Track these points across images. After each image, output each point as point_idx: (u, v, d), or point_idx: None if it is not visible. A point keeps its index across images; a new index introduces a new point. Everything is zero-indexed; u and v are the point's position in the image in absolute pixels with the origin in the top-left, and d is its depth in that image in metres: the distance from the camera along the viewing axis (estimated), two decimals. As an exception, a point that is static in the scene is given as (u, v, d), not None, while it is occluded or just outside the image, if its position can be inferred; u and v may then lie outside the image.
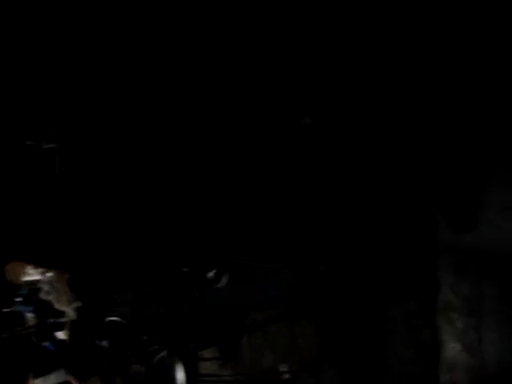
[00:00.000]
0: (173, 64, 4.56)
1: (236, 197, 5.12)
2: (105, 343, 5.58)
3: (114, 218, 5.30)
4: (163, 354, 5.74)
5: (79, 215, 5.22)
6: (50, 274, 5.61)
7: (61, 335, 5.87)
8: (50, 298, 5.70)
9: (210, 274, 5.21)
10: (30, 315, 5.97)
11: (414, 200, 4.30)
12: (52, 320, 5.89)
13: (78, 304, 5.61)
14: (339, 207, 4.73)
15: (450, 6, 3.76)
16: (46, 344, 5.86)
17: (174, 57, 4.42)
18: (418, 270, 4.31)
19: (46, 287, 5.76)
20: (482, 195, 3.91)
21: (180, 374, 5.65)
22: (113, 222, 5.33)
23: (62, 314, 5.71)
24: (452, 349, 4.12)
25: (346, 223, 4.71)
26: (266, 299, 5.44)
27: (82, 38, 4.33)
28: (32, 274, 5.99)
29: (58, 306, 5.69)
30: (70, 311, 5.64)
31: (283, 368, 5.74)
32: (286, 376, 5.72)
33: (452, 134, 4.06)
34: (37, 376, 5.41)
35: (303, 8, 4.11)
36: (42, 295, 5.80)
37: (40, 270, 5.80)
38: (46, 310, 5.82)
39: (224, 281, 5.22)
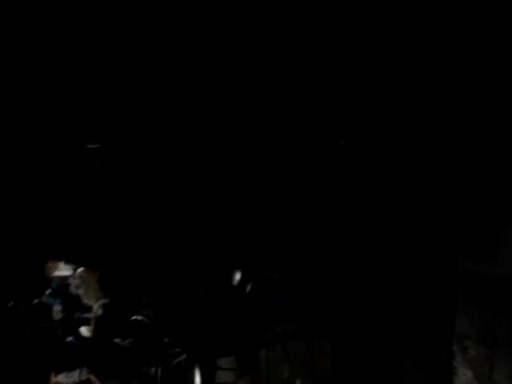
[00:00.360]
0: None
1: (261, 209, 5.22)
2: (127, 343, 5.69)
3: (150, 222, 5.43)
4: (182, 358, 5.83)
5: (116, 216, 5.37)
6: (81, 270, 5.79)
7: (85, 331, 6.01)
8: (79, 292, 5.87)
9: (235, 283, 5.32)
10: (57, 307, 6.15)
11: (439, 228, 4.37)
12: (78, 314, 6.05)
13: (106, 301, 5.75)
14: (364, 231, 4.82)
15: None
16: (70, 338, 6.00)
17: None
18: (438, 296, 4.38)
19: (76, 282, 5.94)
20: (504, 226, 3.96)
21: (197, 380, 5.74)
22: (148, 226, 5.46)
23: (88, 309, 5.87)
24: (463, 376, 4.16)
25: (371, 246, 4.79)
26: (287, 314, 5.52)
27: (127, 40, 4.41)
28: (63, 269, 6.18)
29: (85, 301, 5.85)
30: (96, 307, 5.79)
31: (299, 383, 5.78)
32: (301, 392, 5.75)
33: (481, 166, 4.12)
34: (59, 371, 5.54)
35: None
36: (72, 289, 5.97)
37: (71, 265, 5.99)
38: (73, 304, 5.99)
39: (248, 289, 5.32)
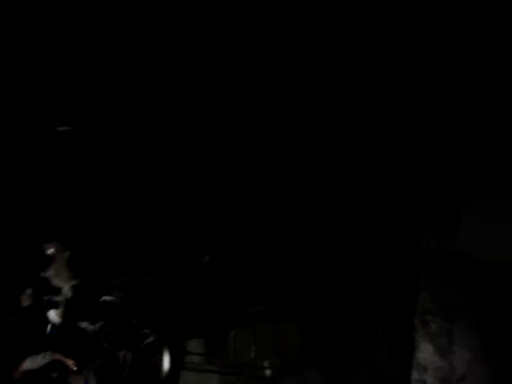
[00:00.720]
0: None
1: (232, 195, 5.30)
2: (96, 326, 5.70)
3: (121, 204, 5.46)
4: (151, 339, 5.86)
5: (87, 197, 5.38)
6: (51, 250, 5.76)
7: (54, 315, 5.98)
8: (49, 274, 5.84)
9: (204, 261, 5.37)
10: (27, 291, 6.09)
11: (401, 205, 4.48)
12: (48, 297, 6.00)
13: (76, 282, 5.75)
14: (328, 210, 4.91)
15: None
16: (49, 329, 5.96)
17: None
18: (400, 273, 4.49)
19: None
20: (465, 203, 4.08)
21: (166, 361, 5.78)
22: (120, 207, 5.48)
23: (58, 290, 5.84)
24: (425, 349, 4.29)
25: (334, 225, 4.88)
26: (256, 295, 5.58)
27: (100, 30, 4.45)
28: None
29: (55, 282, 5.82)
30: (66, 289, 5.78)
31: (266, 364, 5.84)
32: (268, 372, 5.82)
33: (440, 143, 4.24)
34: (24, 358, 5.52)
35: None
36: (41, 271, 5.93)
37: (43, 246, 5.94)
38: (43, 286, 5.95)
39: (216, 270, 5.38)
